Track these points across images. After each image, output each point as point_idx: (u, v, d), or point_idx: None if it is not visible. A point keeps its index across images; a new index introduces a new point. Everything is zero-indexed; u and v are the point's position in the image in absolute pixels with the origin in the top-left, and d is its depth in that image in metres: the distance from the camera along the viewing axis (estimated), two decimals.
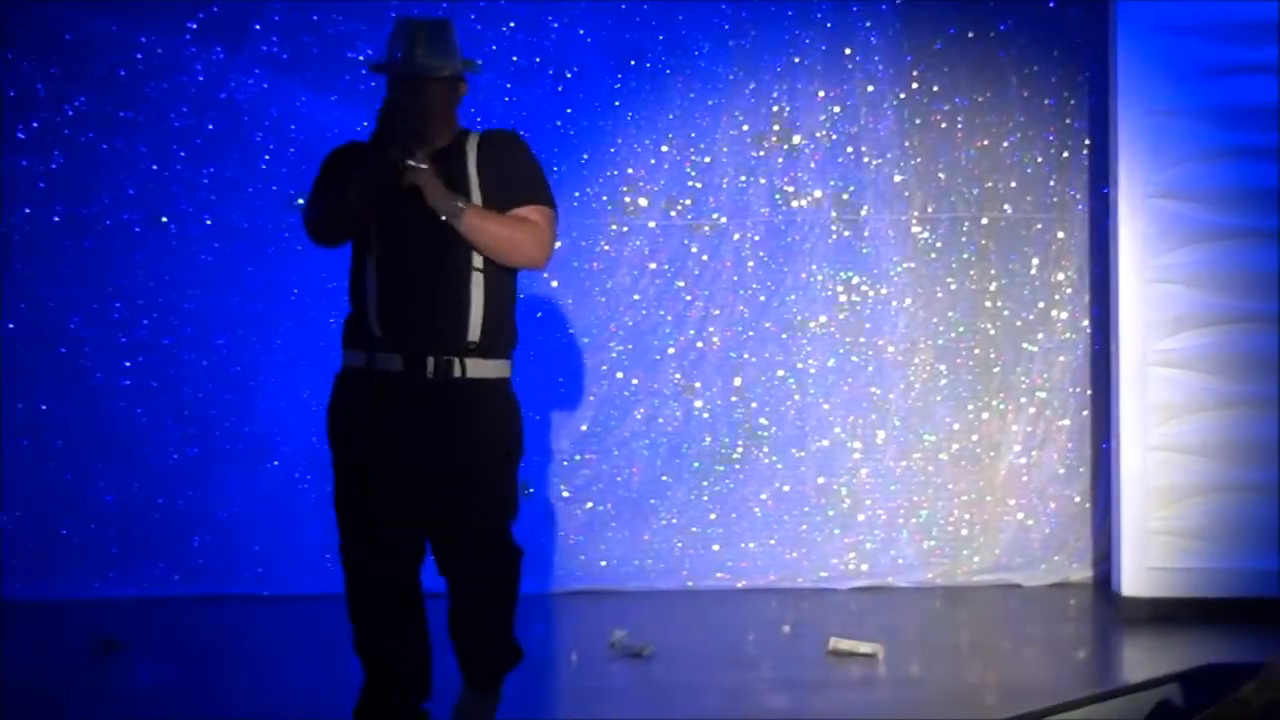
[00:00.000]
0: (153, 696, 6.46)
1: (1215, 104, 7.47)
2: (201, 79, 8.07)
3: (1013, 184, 8.26)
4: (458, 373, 5.04)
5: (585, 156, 8.09)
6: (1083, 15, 8.15)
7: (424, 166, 4.91)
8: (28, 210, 8.01)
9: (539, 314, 7.94)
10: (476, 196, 5.05)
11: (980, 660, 7.05)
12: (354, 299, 5.09)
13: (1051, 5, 8.20)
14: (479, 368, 5.05)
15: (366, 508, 5.04)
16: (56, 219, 7.99)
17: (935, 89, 8.22)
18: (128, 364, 8.04)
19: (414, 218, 4.98)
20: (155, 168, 8.05)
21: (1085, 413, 8.18)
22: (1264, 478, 7.41)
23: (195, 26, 8.05)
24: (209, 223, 8.05)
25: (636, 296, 8.30)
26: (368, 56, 7.76)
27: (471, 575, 5.20)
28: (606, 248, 8.21)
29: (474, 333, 5.04)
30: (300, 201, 7.98)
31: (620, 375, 8.24)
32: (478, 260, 5.04)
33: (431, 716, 5.27)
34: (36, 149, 8.06)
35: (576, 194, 7.92)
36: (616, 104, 8.19)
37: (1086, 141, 8.20)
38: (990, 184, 8.27)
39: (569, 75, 7.97)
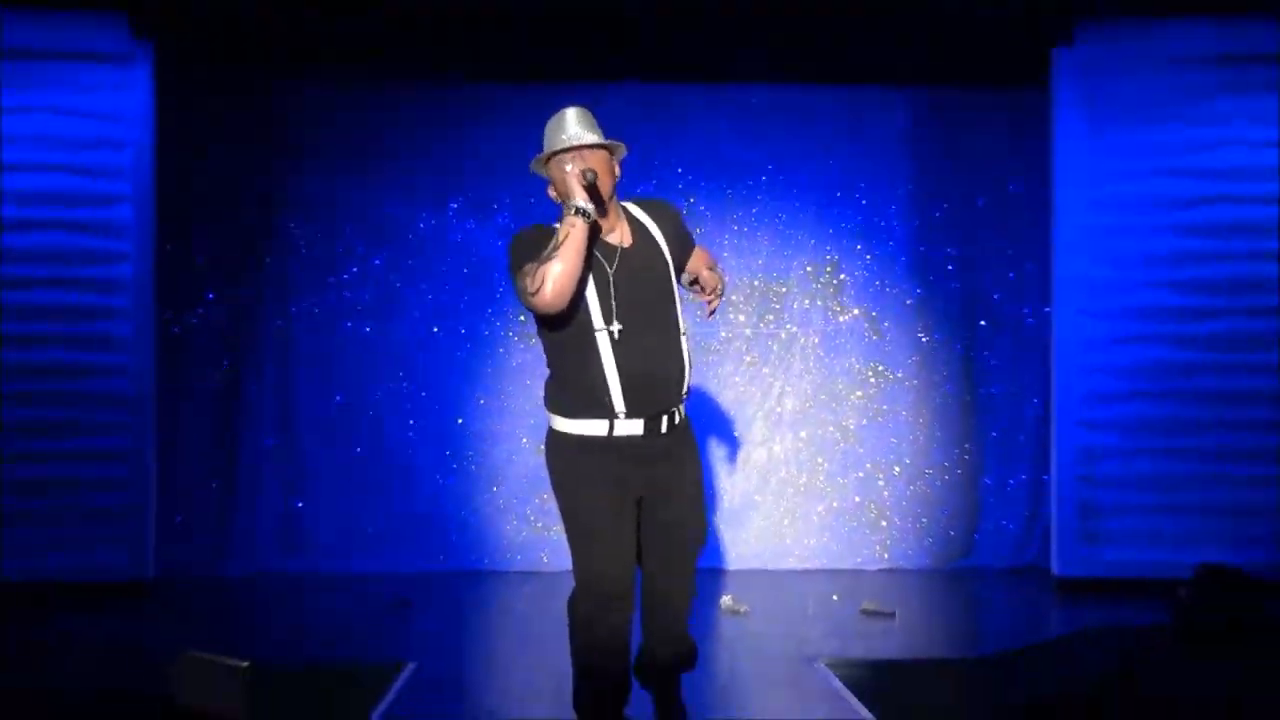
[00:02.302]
0: (433, 640, 7.34)
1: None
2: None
3: (991, 308, 9.33)
4: (678, 420, 4.89)
5: None
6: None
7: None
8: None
9: None
10: (669, 255, 4.93)
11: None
12: (583, 379, 4.73)
13: (1012, 189, 9.40)
14: (681, 409, 4.91)
15: (615, 545, 4.80)
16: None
17: (936, 241, 9.44)
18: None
19: (638, 298, 4.77)
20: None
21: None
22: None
23: (456, 206, 9.28)
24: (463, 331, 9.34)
25: (737, 379, 9.47)
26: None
27: (685, 563, 4.99)
28: (717, 347, 9.39)
29: (686, 386, 4.88)
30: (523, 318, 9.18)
31: (727, 431, 9.34)
32: (682, 322, 4.84)
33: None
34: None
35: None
36: (725, 254, 9.23)
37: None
38: (971, 308, 9.39)
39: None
